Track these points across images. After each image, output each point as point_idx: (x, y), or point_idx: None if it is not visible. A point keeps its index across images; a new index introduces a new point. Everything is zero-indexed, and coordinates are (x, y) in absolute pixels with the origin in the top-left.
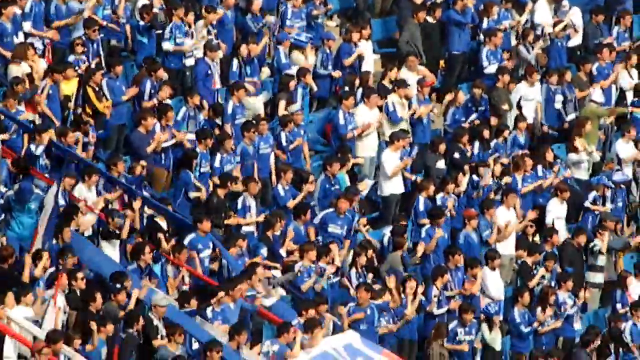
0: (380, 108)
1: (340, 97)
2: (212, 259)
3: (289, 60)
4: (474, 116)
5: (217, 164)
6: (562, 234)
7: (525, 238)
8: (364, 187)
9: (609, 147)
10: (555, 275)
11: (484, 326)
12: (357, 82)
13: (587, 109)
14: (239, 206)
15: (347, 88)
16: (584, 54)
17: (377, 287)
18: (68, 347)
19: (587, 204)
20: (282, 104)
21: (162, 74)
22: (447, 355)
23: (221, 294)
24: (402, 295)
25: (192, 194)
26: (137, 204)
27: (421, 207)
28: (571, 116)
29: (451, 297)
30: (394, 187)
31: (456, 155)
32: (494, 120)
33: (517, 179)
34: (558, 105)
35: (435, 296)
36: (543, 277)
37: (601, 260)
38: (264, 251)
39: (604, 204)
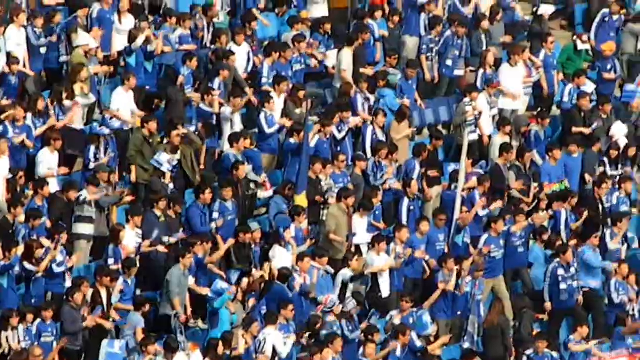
0: None
1: None
2: None
3: None
4: None
5: None
6: (54, 187)
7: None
8: None
9: None
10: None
11: None
12: None
13: (75, 54)
14: None
15: None
16: None
17: None
18: None
19: (92, 165)
20: None
21: None
22: None
23: None
24: None
25: None
26: None
27: None
28: (63, 58)
29: None
30: None
31: None
32: None
33: (7, 128)
34: (43, 50)
35: None
36: None
37: (89, 211)
38: None
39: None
